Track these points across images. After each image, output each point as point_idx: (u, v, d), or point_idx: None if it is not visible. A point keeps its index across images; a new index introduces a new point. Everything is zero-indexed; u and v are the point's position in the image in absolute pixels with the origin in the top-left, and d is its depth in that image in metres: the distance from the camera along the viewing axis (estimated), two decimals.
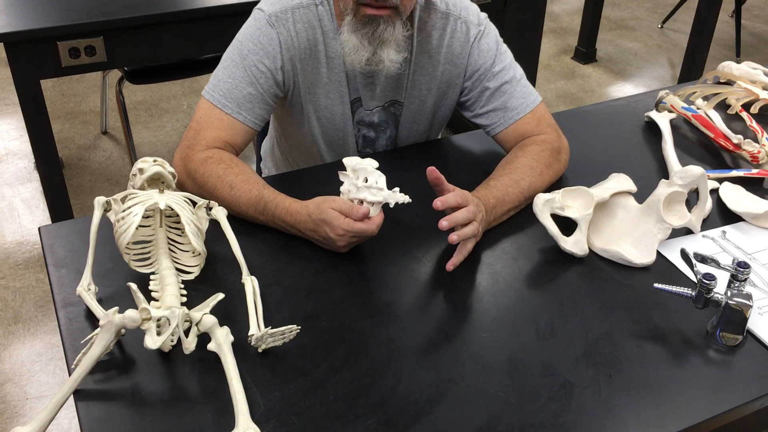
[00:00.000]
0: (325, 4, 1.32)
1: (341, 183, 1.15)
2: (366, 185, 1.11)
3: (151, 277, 1.05)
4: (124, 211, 1.04)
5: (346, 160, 1.13)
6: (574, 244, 1.18)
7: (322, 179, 1.34)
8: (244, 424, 0.85)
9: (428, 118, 1.50)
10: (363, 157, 1.13)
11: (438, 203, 1.11)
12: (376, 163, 1.12)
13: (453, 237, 1.11)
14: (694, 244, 1.24)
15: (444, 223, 1.10)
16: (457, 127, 1.89)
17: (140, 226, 1.06)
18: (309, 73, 1.36)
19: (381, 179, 1.11)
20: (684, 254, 1.08)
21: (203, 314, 0.92)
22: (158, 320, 0.90)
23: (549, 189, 1.31)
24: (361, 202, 1.11)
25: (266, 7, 1.32)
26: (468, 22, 1.39)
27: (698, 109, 1.60)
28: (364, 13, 1.24)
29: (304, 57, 1.34)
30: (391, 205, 1.11)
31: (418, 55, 1.39)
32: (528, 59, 1.47)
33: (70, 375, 0.90)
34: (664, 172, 1.44)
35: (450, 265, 1.13)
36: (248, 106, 1.31)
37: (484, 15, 1.42)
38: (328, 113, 1.41)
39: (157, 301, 0.98)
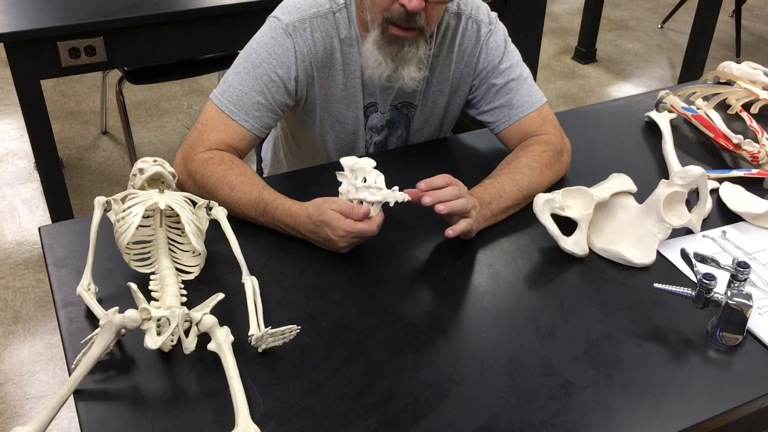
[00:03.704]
0: (343, 12, 1.31)
1: (339, 183, 1.14)
2: (365, 185, 1.10)
3: (151, 277, 1.05)
4: (124, 211, 1.04)
5: (344, 160, 1.13)
6: (574, 244, 1.18)
7: (323, 179, 1.34)
8: (244, 424, 0.85)
9: (439, 118, 1.50)
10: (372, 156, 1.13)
11: (422, 184, 1.12)
12: (373, 162, 1.11)
13: (440, 207, 1.11)
14: (694, 244, 1.24)
15: (427, 198, 1.11)
16: (458, 127, 1.89)
17: (140, 226, 1.06)
18: (325, 81, 1.35)
19: (380, 178, 1.10)
20: (684, 254, 1.08)
21: (203, 314, 0.92)
22: (158, 320, 0.90)
23: (550, 189, 1.31)
24: (361, 202, 1.11)
25: (283, 16, 1.30)
26: (479, 21, 1.40)
27: (698, 109, 1.60)
28: (390, 33, 1.24)
29: (321, 66, 1.33)
30: (391, 204, 1.11)
31: (433, 58, 1.40)
32: (528, 59, 1.47)
33: (70, 375, 0.90)
34: (664, 172, 1.44)
35: (449, 231, 1.14)
36: (256, 114, 1.30)
37: (494, 14, 1.42)
38: (341, 118, 1.41)
39: (157, 301, 0.98)
